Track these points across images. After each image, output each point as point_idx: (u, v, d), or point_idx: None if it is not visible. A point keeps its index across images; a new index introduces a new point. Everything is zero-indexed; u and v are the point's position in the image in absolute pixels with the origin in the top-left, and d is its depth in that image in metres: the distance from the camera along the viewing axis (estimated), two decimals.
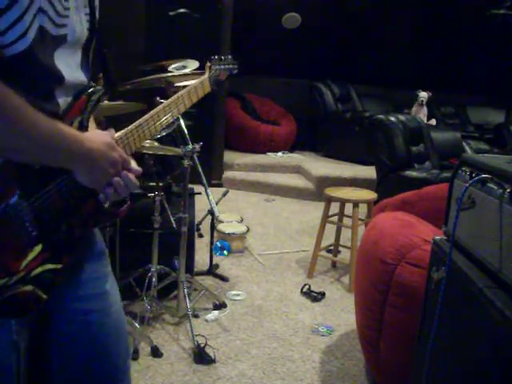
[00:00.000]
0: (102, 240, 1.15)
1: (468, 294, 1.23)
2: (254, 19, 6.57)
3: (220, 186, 5.55)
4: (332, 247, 3.64)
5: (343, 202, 3.45)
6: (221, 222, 3.82)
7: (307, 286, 3.13)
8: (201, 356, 2.32)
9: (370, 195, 3.41)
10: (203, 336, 2.45)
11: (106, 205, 1.03)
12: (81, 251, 1.04)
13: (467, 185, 1.28)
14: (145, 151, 2.30)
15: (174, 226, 2.60)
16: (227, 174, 5.80)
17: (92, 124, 1.06)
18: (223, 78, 1.49)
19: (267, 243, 3.99)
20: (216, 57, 1.51)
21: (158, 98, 2.25)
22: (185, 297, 2.54)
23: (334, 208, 3.44)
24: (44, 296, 0.95)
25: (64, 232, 0.96)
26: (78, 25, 0.97)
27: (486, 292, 1.15)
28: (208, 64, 1.48)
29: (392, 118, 4.15)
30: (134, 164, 1.03)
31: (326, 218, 3.37)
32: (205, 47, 4.78)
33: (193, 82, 1.35)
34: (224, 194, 3.86)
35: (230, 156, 6.07)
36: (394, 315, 1.84)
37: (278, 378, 2.25)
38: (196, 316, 2.70)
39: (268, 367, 2.33)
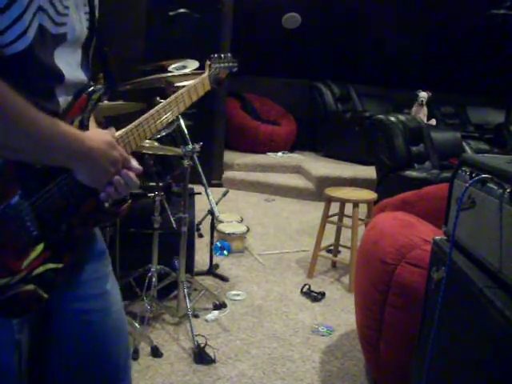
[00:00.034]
0: (103, 240, 1.15)
1: (468, 293, 1.23)
2: (254, 19, 6.56)
3: (220, 186, 5.55)
4: (332, 247, 3.64)
5: (343, 202, 3.45)
6: (221, 221, 3.82)
7: (307, 286, 3.13)
8: (201, 356, 2.32)
9: (370, 195, 3.41)
10: (203, 336, 2.45)
11: (107, 204, 1.03)
12: (81, 250, 1.04)
13: (467, 185, 1.28)
14: (145, 151, 2.30)
15: (174, 226, 2.60)
16: (227, 173, 5.80)
17: (92, 123, 1.06)
18: (223, 76, 1.50)
19: (267, 243, 3.99)
20: (216, 55, 1.51)
21: (157, 98, 2.25)
22: (185, 297, 2.54)
23: (334, 208, 3.44)
24: (45, 295, 0.95)
25: (65, 231, 0.97)
26: (78, 23, 0.97)
27: (485, 292, 1.15)
28: (208, 62, 1.48)
29: (392, 118, 4.15)
30: (134, 162, 1.03)
31: (325, 218, 3.37)
32: (205, 47, 4.78)
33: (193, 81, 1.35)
34: (224, 194, 3.86)
35: (229, 156, 6.07)
36: (394, 315, 1.84)
37: (278, 378, 2.25)
38: (196, 316, 2.70)
39: (268, 367, 2.33)
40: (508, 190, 1.14)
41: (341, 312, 2.91)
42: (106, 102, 2.46)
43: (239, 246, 3.74)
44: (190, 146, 2.38)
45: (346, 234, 3.54)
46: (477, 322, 1.19)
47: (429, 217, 2.07)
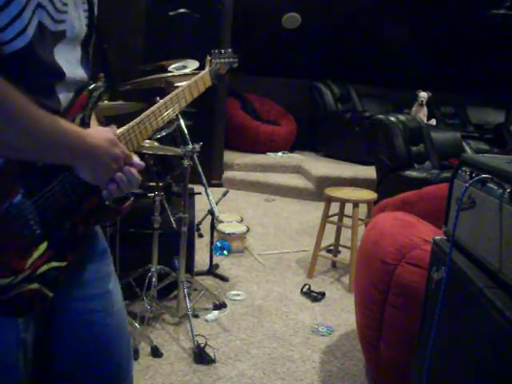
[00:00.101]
0: (105, 239, 1.15)
1: (468, 293, 1.23)
2: (254, 19, 6.56)
3: (220, 186, 5.55)
4: (332, 247, 3.64)
5: (343, 202, 3.45)
6: (221, 221, 3.82)
7: (307, 286, 3.13)
8: (201, 356, 2.32)
9: (370, 195, 3.41)
10: (203, 336, 2.45)
11: (109, 202, 1.03)
12: (84, 250, 1.05)
13: (467, 185, 1.28)
14: (145, 151, 2.30)
15: (174, 226, 2.60)
16: (227, 173, 5.80)
17: (94, 121, 1.06)
18: (223, 71, 1.50)
19: (267, 243, 3.99)
20: (216, 50, 1.51)
21: (157, 98, 2.25)
22: (185, 297, 2.54)
23: (334, 208, 3.44)
24: (50, 294, 0.95)
25: (68, 229, 0.97)
26: (77, 21, 0.97)
27: (485, 292, 1.15)
28: (208, 58, 1.48)
29: (392, 118, 4.15)
30: (136, 159, 1.03)
31: (325, 217, 3.37)
32: (205, 47, 4.77)
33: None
34: (224, 194, 3.86)
35: (229, 156, 6.07)
36: (394, 315, 1.84)
37: (278, 378, 2.25)
38: (196, 316, 2.70)
39: (268, 367, 2.33)
40: (508, 190, 1.14)
41: (341, 312, 2.91)
42: (105, 101, 2.46)
43: (239, 245, 3.74)
44: (190, 146, 2.38)
45: (346, 234, 3.54)
46: (477, 322, 1.19)
47: (429, 217, 2.07)
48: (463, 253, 1.36)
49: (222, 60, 1.50)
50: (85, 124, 0.99)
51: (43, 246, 0.93)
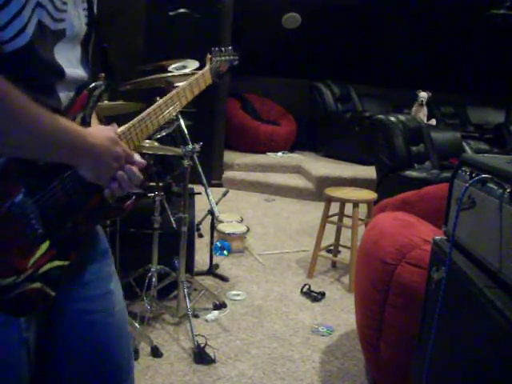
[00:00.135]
0: (106, 239, 1.15)
1: (468, 293, 1.23)
2: (254, 19, 6.56)
3: (220, 186, 5.55)
4: (332, 247, 3.64)
5: (343, 202, 3.45)
6: (221, 221, 3.82)
7: (307, 286, 3.13)
8: (201, 356, 2.32)
9: (370, 195, 3.41)
10: (203, 336, 2.45)
11: (111, 200, 1.03)
12: (86, 249, 1.05)
13: (467, 185, 1.28)
14: (145, 151, 2.30)
15: (174, 226, 2.60)
16: (227, 173, 5.80)
17: (94, 120, 1.06)
18: (224, 69, 1.49)
19: (267, 243, 3.99)
20: (216, 48, 1.50)
21: (157, 98, 2.25)
22: (185, 297, 2.54)
23: (334, 208, 3.44)
24: (52, 293, 0.95)
25: (70, 228, 0.96)
26: (77, 19, 0.97)
27: (485, 292, 1.15)
28: (209, 56, 1.47)
29: (392, 118, 4.15)
30: (137, 157, 1.03)
31: (325, 217, 3.37)
32: (205, 47, 4.77)
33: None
34: (224, 194, 3.86)
35: (229, 156, 6.07)
36: (394, 315, 1.84)
37: (278, 378, 2.25)
38: (196, 316, 2.70)
39: (268, 367, 2.33)
40: (508, 190, 1.14)
41: (341, 312, 2.91)
42: (105, 101, 2.47)
43: (239, 245, 3.74)
44: (190, 146, 2.38)
45: (346, 234, 3.54)
46: (477, 322, 1.19)
47: (429, 217, 2.07)
48: (463, 253, 1.36)
49: (223, 58, 1.50)
50: (85, 123, 0.99)
51: (45, 245, 0.93)
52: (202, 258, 3.41)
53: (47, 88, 0.92)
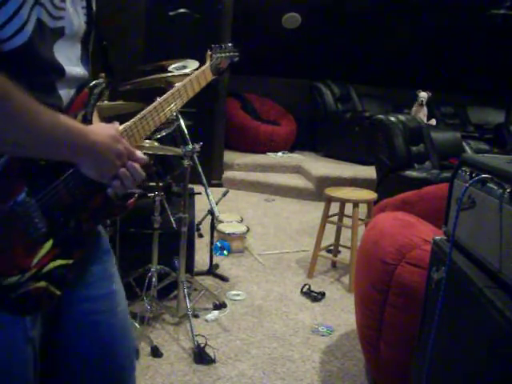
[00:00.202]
0: (108, 239, 1.15)
1: (468, 293, 1.23)
2: (254, 19, 6.56)
3: (220, 186, 5.55)
4: (332, 247, 3.64)
5: (343, 202, 3.45)
6: (221, 221, 3.82)
7: (307, 286, 3.13)
8: (201, 356, 2.32)
9: (370, 195, 3.41)
10: (203, 336, 2.45)
11: (114, 198, 1.03)
12: (90, 248, 1.05)
13: (467, 185, 1.28)
14: (145, 151, 2.30)
15: (174, 226, 2.60)
16: (227, 173, 5.80)
17: (96, 118, 1.06)
18: (224, 66, 1.49)
19: (267, 243, 3.99)
20: (217, 45, 1.50)
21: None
22: (185, 297, 2.54)
23: (334, 208, 3.44)
24: (57, 292, 0.95)
25: (73, 227, 0.96)
26: (75, 17, 0.96)
27: (485, 292, 1.15)
28: (209, 52, 1.47)
29: (392, 118, 4.15)
30: (139, 153, 1.03)
31: (326, 217, 3.37)
32: (205, 47, 4.77)
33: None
34: (224, 194, 3.86)
35: (229, 156, 6.07)
36: (394, 315, 1.84)
37: (278, 378, 2.25)
38: (196, 316, 2.70)
39: (268, 367, 2.33)
40: (508, 190, 1.14)
41: (341, 312, 2.91)
42: (105, 102, 2.46)
43: (239, 245, 3.74)
44: (190, 146, 2.38)
45: (346, 234, 3.54)
46: (477, 322, 1.19)
47: (429, 217, 2.07)
48: (463, 253, 1.36)
49: (223, 54, 1.49)
50: (87, 121, 0.99)
51: (49, 244, 0.93)
52: (202, 258, 3.41)
53: (47, 86, 0.92)
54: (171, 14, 4.57)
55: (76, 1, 0.97)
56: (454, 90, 7.20)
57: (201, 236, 3.88)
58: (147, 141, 2.31)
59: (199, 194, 2.89)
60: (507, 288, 1.13)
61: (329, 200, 3.35)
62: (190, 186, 2.64)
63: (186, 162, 2.41)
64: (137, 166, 1.01)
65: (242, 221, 4.10)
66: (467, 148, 4.85)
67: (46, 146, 0.87)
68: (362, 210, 3.33)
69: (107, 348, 1.09)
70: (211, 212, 2.82)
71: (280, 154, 6.53)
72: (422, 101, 5.72)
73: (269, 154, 6.49)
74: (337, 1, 6.67)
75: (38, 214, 0.90)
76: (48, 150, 0.88)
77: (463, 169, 1.40)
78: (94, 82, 1.00)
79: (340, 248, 3.65)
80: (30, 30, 0.85)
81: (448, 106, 7.39)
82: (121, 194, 1.02)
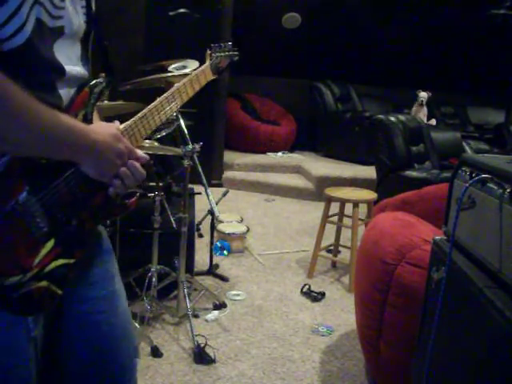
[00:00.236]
0: (109, 239, 1.15)
1: (468, 294, 1.23)
2: (254, 19, 6.56)
3: (220, 186, 5.55)
4: (332, 247, 3.64)
5: (343, 202, 3.45)
6: (221, 221, 3.82)
7: (307, 286, 3.13)
8: (201, 356, 2.32)
9: (370, 195, 3.41)
10: (203, 336, 2.45)
11: (117, 199, 1.03)
12: (91, 247, 1.05)
13: (467, 185, 1.28)
14: (145, 151, 2.29)
15: (174, 226, 2.60)
16: (227, 173, 5.80)
17: (96, 117, 1.06)
18: (224, 65, 1.49)
19: (267, 243, 3.99)
20: (216, 44, 1.51)
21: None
22: (185, 297, 2.54)
23: (334, 208, 3.44)
24: (59, 291, 0.95)
25: (75, 226, 0.96)
26: (75, 17, 0.96)
27: (485, 292, 1.15)
28: (208, 52, 1.48)
29: (392, 118, 4.15)
30: (140, 152, 1.03)
31: (325, 217, 3.37)
32: (205, 47, 4.77)
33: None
34: (224, 194, 3.86)
35: (229, 156, 6.07)
36: (394, 315, 1.84)
37: (278, 378, 2.25)
38: (196, 316, 2.70)
39: (268, 367, 2.33)
40: (508, 190, 1.14)
41: (341, 312, 2.91)
42: (105, 102, 2.47)
43: (239, 245, 3.74)
44: (190, 146, 2.38)
45: (346, 234, 3.54)
46: (477, 322, 1.19)
47: (429, 217, 2.07)
48: (463, 253, 1.36)
49: (222, 53, 1.50)
50: (87, 120, 0.99)
51: (50, 244, 0.93)
52: (202, 258, 3.41)
53: (48, 85, 0.92)
54: (171, 13, 4.57)
55: (75, 0, 0.97)
56: (454, 90, 7.20)
57: (201, 236, 3.88)
58: (147, 141, 2.31)
59: (199, 194, 2.89)
60: (507, 288, 1.13)
61: (329, 200, 3.35)
62: (190, 186, 2.64)
63: (186, 162, 2.42)
64: (137, 164, 1.01)
65: (241, 221, 4.10)
66: (467, 148, 4.85)
67: (46, 145, 0.87)
68: (362, 210, 3.33)
69: (108, 348, 1.09)
70: (211, 212, 2.82)
71: (280, 154, 6.53)
72: (422, 101, 5.72)
73: (269, 153, 6.49)
74: (337, 1, 6.67)
75: (39, 213, 0.90)
76: (49, 149, 0.88)
77: (463, 169, 1.40)
78: (94, 82, 1.00)
79: (340, 248, 3.65)
80: (30, 30, 0.85)
81: (448, 106, 7.39)
82: (122, 194, 1.02)
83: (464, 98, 7.51)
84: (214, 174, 5.59)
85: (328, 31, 6.74)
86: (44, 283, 0.92)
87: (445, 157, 4.39)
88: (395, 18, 6.86)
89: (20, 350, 0.93)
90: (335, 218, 3.47)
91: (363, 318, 2.09)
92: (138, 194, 1.08)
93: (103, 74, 1.06)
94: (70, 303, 1.03)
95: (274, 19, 6.30)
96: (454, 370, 1.32)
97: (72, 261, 0.97)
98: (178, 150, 2.37)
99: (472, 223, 1.31)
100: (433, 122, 6.00)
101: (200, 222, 3.77)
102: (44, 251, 0.92)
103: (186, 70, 2.63)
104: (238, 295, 3.02)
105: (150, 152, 2.31)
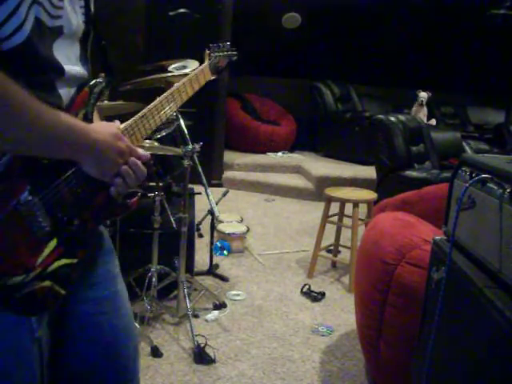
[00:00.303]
0: (110, 240, 1.15)
1: (468, 293, 1.23)
2: (254, 19, 6.56)
3: (220, 186, 5.55)
4: (332, 247, 3.64)
5: (343, 202, 3.45)
6: (221, 221, 3.82)
7: (307, 286, 3.13)
8: (201, 356, 2.32)
9: (370, 195, 3.41)
10: (203, 336, 2.45)
11: (118, 198, 1.03)
12: (93, 248, 1.05)
13: (467, 185, 1.28)
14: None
15: (174, 226, 2.60)
16: (227, 173, 5.80)
17: (96, 117, 1.06)
18: (223, 65, 1.50)
19: (267, 243, 3.99)
20: (215, 44, 1.51)
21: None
22: (185, 297, 2.54)
23: (334, 208, 3.44)
24: (62, 291, 0.95)
25: (77, 226, 0.96)
26: (74, 17, 0.96)
27: (485, 292, 1.15)
28: (207, 52, 1.48)
29: (392, 118, 4.15)
30: (141, 150, 1.03)
31: (326, 217, 3.37)
32: (205, 47, 4.77)
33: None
34: (224, 194, 3.86)
35: (229, 156, 6.07)
36: (394, 315, 1.84)
37: (278, 378, 2.25)
38: (196, 316, 2.70)
39: (268, 367, 2.33)
40: (508, 190, 1.14)
41: (341, 312, 2.91)
42: (105, 102, 2.47)
43: (239, 245, 3.74)
44: (190, 146, 2.38)
45: (346, 234, 3.54)
46: (477, 322, 1.19)
47: (429, 217, 2.07)
48: (463, 253, 1.36)
49: (221, 53, 1.50)
50: (88, 120, 0.99)
51: (53, 243, 0.93)
52: (202, 258, 3.41)
53: (47, 85, 0.92)
54: (171, 13, 4.57)
55: (74, 0, 0.97)
56: (453, 90, 7.20)
57: (201, 236, 3.88)
58: (147, 141, 2.31)
59: (199, 194, 2.89)
60: (507, 288, 1.13)
61: (329, 200, 3.35)
62: (190, 186, 2.64)
63: (186, 162, 2.41)
64: (139, 162, 1.01)
65: (242, 221, 4.10)
66: (467, 148, 4.85)
67: (47, 144, 0.87)
68: (362, 210, 3.33)
69: (110, 349, 1.09)
70: (211, 212, 2.82)
71: (280, 154, 6.53)
72: (422, 101, 5.72)
73: (269, 153, 6.49)
74: (337, 1, 6.67)
75: (41, 212, 0.90)
76: (49, 148, 0.88)
77: (463, 169, 1.40)
78: (94, 81, 1.00)
79: (340, 248, 3.65)
80: (29, 29, 0.85)
81: (448, 106, 7.39)
82: (123, 193, 1.02)
83: (464, 98, 7.51)
84: (213, 174, 5.59)
85: (328, 31, 6.74)
86: (47, 283, 0.92)
87: (445, 157, 4.39)
88: (395, 18, 6.86)
89: (24, 350, 0.92)
90: (335, 218, 3.47)
91: (363, 317, 2.09)
92: (139, 194, 1.08)
93: (103, 74, 1.06)
94: (72, 304, 1.03)
95: (274, 19, 6.30)
96: (454, 370, 1.32)
97: (75, 261, 0.97)
98: (178, 150, 2.37)
99: (472, 223, 1.31)
100: (433, 121, 6.00)
101: (200, 222, 3.77)
102: (47, 251, 0.92)
103: (186, 70, 2.63)
104: (238, 295, 3.02)
105: (150, 152, 2.31)
